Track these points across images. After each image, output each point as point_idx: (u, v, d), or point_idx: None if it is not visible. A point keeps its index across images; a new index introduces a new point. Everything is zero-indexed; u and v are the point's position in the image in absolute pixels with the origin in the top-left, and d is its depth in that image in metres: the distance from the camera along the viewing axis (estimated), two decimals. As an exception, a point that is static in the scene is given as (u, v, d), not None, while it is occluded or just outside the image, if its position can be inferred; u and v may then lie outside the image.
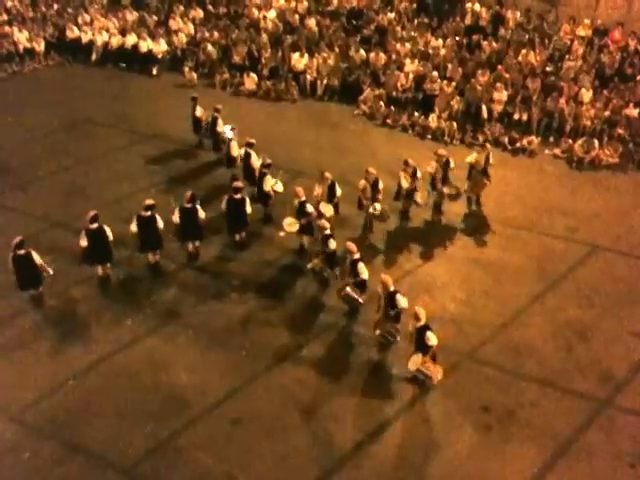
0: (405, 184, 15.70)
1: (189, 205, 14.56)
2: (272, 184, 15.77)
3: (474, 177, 16.46)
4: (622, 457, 10.63)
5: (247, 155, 16.71)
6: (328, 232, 13.79)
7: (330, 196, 15.23)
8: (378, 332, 12.44)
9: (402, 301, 12.18)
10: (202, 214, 14.66)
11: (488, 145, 16.77)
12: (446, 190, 16.19)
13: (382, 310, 12.40)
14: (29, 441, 10.90)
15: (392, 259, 15.10)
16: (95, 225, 13.76)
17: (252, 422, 11.17)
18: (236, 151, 17.33)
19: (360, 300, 13.26)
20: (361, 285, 13.19)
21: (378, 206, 15.28)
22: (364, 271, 13.03)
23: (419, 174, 15.79)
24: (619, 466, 10.51)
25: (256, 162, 16.43)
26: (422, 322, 11.45)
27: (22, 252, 13.30)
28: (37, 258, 13.47)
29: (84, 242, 13.78)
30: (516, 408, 11.43)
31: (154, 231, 14.27)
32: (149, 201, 14.34)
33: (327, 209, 15.06)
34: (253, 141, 16.90)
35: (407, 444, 10.85)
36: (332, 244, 13.63)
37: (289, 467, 10.47)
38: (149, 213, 14.19)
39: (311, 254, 14.56)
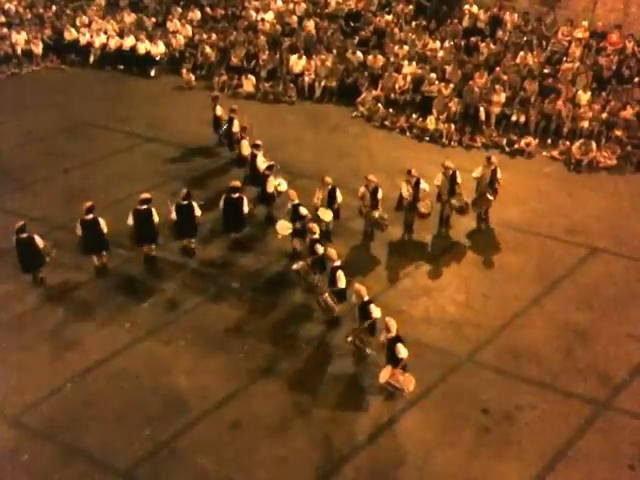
0: (406, 193, 15.30)
1: (184, 202, 14.65)
2: (275, 185, 15.76)
3: (479, 191, 15.94)
4: (621, 459, 10.62)
5: (253, 156, 16.78)
6: (316, 236, 13.62)
7: (330, 201, 15.16)
8: (349, 340, 12.19)
9: (375, 311, 11.89)
10: (198, 211, 14.75)
11: (494, 159, 16.02)
12: (454, 202, 15.60)
13: (357, 319, 12.28)
14: (27, 444, 10.89)
15: (391, 263, 15.09)
16: (90, 216, 14.06)
17: (251, 425, 11.15)
18: (247, 150, 17.35)
19: (335, 309, 12.98)
20: (339, 294, 12.91)
21: (376, 214, 15.11)
22: (342, 280, 12.74)
23: (422, 184, 15.36)
24: (618, 468, 10.51)
25: (262, 163, 16.47)
26: (392, 334, 11.20)
27: (24, 236, 13.72)
28: (39, 242, 13.89)
29: (79, 232, 14.14)
30: (515, 410, 11.43)
31: (150, 225, 14.47)
32: (145, 195, 14.58)
33: (326, 214, 14.98)
34: (260, 142, 16.98)
35: (406, 446, 10.84)
36: (319, 249, 13.36)
37: (288, 470, 10.46)
38: (145, 207, 14.38)
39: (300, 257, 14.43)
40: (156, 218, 14.46)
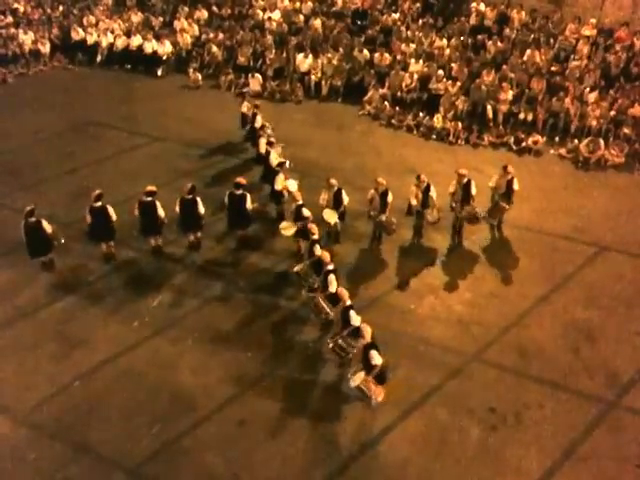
0: (414, 202, 15.10)
1: (189, 196, 14.73)
2: (285, 184, 15.69)
3: (494, 201, 15.57)
4: (629, 458, 10.59)
5: (267, 153, 16.80)
6: (316, 237, 13.47)
7: (336, 203, 15.03)
8: (330, 345, 11.94)
9: (354, 318, 11.63)
10: (201, 207, 14.82)
11: (510, 168, 15.44)
12: (463, 213, 15.24)
13: (339, 324, 12.12)
14: (35, 442, 10.91)
15: (399, 263, 15.02)
16: (99, 204, 14.32)
17: (257, 423, 11.16)
18: (264, 148, 17.35)
19: (330, 313, 12.76)
20: (331, 298, 12.60)
21: (384, 218, 14.92)
22: (333, 283, 12.49)
23: (432, 191, 15.10)
24: (626, 467, 10.47)
25: (274, 160, 16.47)
26: (367, 340, 11.00)
27: (32, 220, 13.93)
28: (47, 227, 14.10)
29: (88, 219, 14.42)
30: (522, 409, 11.41)
31: (154, 217, 14.64)
32: (150, 187, 14.72)
33: (331, 216, 14.90)
34: (273, 140, 16.99)
35: (413, 444, 10.82)
36: (318, 250, 13.17)
37: (295, 468, 10.46)
38: (150, 199, 14.56)
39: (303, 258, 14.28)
40: (161, 210, 14.63)
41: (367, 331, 11.04)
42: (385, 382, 11.17)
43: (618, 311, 13.53)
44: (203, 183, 17.21)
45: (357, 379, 11.02)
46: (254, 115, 18.82)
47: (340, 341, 11.78)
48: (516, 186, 15.36)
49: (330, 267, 12.72)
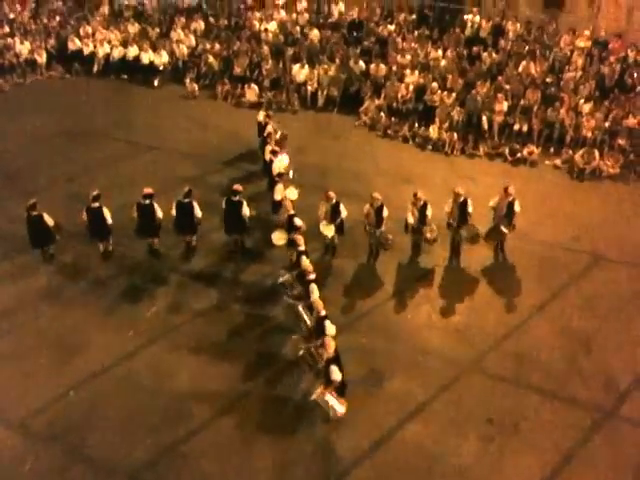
0: (411, 219, 14.84)
1: (185, 200, 14.88)
2: (284, 193, 15.62)
3: (494, 223, 15.18)
4: (626, 467, 10.58)
5: (270, 162, 16.84)
6: (302, 248, 13.37)
7: (333, 216, 14.96)
8: (301, 352, 11.83)
9: (330, 328, 11.42)
10: (198, 211, 15.00)
11: (511, 189, 14.81)
12: (463, 233, 14.97)
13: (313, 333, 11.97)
14: (32, 449, 10.86)
15: (396, 273, 15.02)
16: (96, 204, 14.67)
17: (254, 431, 11.12)
18: (268, 156, 17.32)
19: (308, 322, 12.43)
20: (311, 307, 12.28)
21: (379, 233, 14.81)
22: (315, 292, 12.26)
23: (429, 210, 14.82)
24: (623, 476, 10.46)
25: (276, 170, 16.46)
26: (330, 355, 10.82)
27: (35, 213, 14.53)
28: (48, 220, 14.65)
29: (84, 218, 14.82)
30: (519, 418, 11.39)
31: (152, 219, 14.86)
32: (148, 190, 14.90)
33: (328, 230, 14.86)
34: (277, 149, 17.03)
35: (410, 453, 10.80)
36: (304, 261, 13.01)
37: (292, 475, 10.43)
38: (147, 201, 14.77)
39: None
40: (159, 213, 14.86)
41: (331, 345, 10.88)
42: (345, 394, 10.96)
43: (614, 319, 13.56)
44: (202, 191, 17.14)
45: (316, 394, 10.87)
46: (265, 124, 18.79)
47: (312, 350, 11.67)
48: (517, 208, 14.84)
49: (312, 277, 12.59)
